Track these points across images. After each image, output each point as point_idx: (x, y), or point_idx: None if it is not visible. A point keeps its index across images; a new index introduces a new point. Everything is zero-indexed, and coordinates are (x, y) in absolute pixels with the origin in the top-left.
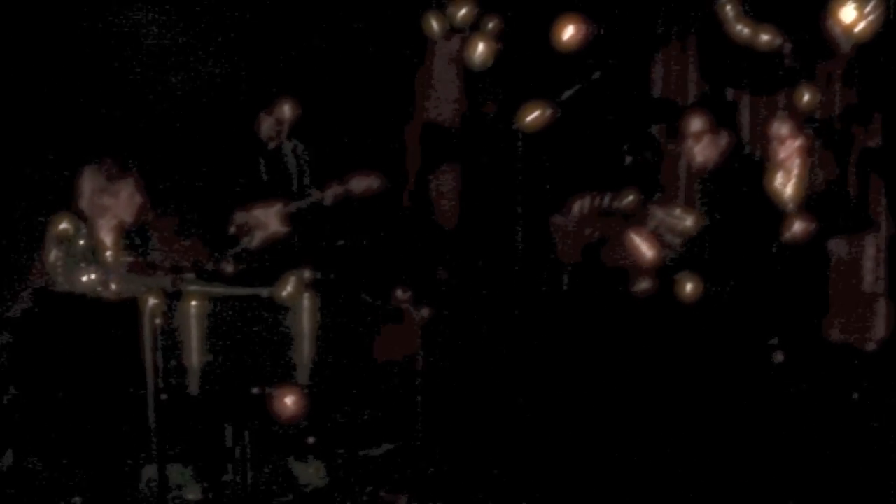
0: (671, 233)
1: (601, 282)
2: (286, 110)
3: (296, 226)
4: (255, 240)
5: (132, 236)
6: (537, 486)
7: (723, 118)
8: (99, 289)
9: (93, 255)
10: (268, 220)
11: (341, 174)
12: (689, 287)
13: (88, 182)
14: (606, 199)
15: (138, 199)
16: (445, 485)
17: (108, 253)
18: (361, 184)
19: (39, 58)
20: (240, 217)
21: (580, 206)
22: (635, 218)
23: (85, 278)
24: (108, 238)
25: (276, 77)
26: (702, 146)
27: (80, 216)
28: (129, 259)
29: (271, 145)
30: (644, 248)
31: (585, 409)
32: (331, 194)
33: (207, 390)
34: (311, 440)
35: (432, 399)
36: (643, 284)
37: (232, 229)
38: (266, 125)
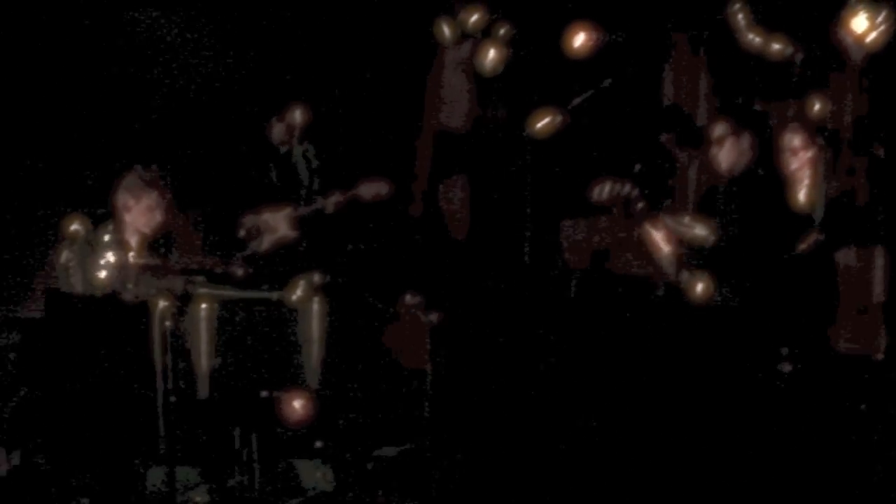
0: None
1: (609, 289)
2: (297, 115)
3: (305, 230)
4: (265, 243)
5: (157, 240)
6: (545, 490)
7: (745, 124)
8: (116, 290)
9: (116, 254)
10: (277, 224)
11: (351, 179)
12: (698, 291)
13: (127, 183)
14: (627, 187)
15: (166, 206)
16: (453, 489)
17: (131, 254)
18: (370, 190)
19: (53, 60)
20: (249, 220)
21: (600, 190)
22: (644, 224)
23: (103, 277)
24: (133, 239)
25: (288, 82)
26: (727, 153)
27: (113, 214)
28: (141, 261)
29: (282, 149)
30: (661, 243)
31: (593, 414)
32: (339, 200)
33: (216, 393)
34: (318, 443)
35: (440, 403)
36: (659, 287)
37: (241, 233)
38: (277, 130)
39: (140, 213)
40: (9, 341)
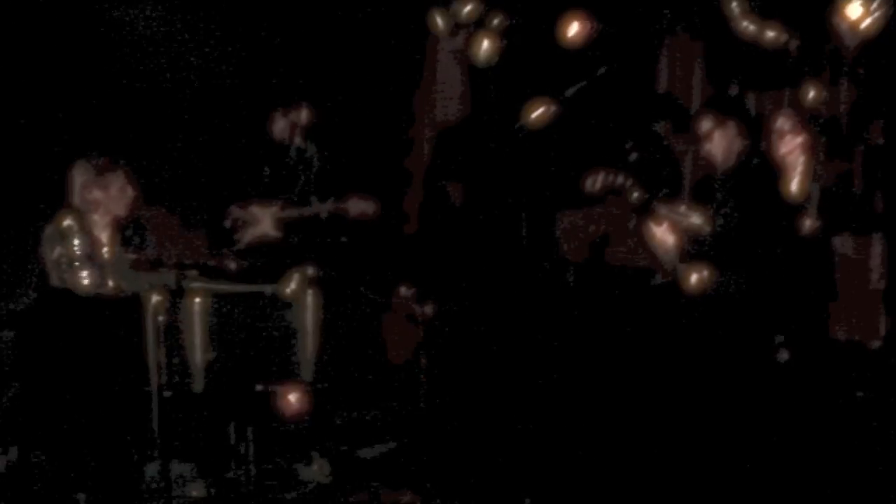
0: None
1: (606, 279)
2: (301, 112)
3: (294, 228)
4: (246, 238)
5: (129, 232)
6: (540, 483)
7: (734, 115)
8: (96, 286)
9: (91, 251)
10: (261, 221)
11: (345, 172)
12: (695, 280)
13: (78, 177)
14: (620, 178)
15: (130, 192)
16: (448, 482)
17: (105, 249)
18: (357, 207)
19: (46, 54)
20: (235, 213)
21: (593, 181)
22: (640, 214)
23: (84, 276)
24: (103, 234)
25: (280, 75)
26: (717, 145)
27: (76, 212)
28: (132, 255)
29: (283, 144)
30: (661, 239)
31: (590, 406)
32: (326, 210)
33: (211, 387)
34: (314, 437)
35: (435, 396)
36: (656, 278)
37: (227, 223)
38: (278, 126)
39: (104, 204)
40: (2, 337)
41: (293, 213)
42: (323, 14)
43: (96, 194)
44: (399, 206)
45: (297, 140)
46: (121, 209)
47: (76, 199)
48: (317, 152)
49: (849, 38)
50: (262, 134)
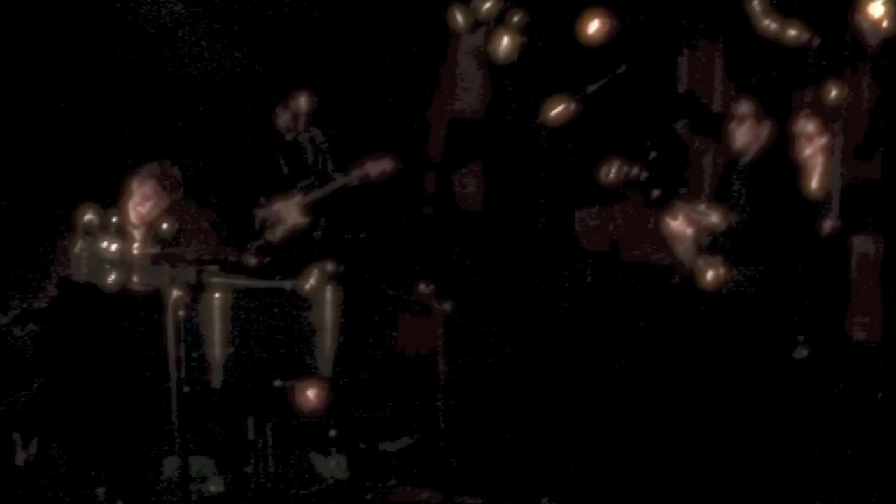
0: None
1: (625, 277)
2: (302, 102)
3: (318, 217)
4: (278, 233)
5: (164, 229)
6: (558, 479)
7: (768, 111)
8: (124, 282)
9: (122, 246)
10: (288, 213)
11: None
12: (713, 278)
13: (134, 174)
14: (636, 169)
15: (178, 193)
16: (466, 479)
17: (138, 246)
18: (377, 168)
19: (62, 52)
20: (262, 212)
21: (607, 171)
22: (659, 212)
23: (114, 273)
24: (138, 231)
25: (300, 70)
26: (743, 132)
27: (122, 210)
28: (154, 251)
29: (288, 136)
30: (680, 237)
31: (608, 402)
32: (351, 179)
33: (230, 383)
34: (332, 433)
35: (454, 393)
36: (675, 274)
37: (256, 224)
38: (283, 117)
39: (147, 202)
40: (25, 332)
41: (318, 193)
42: (344, 11)
43: (149, 192)
44: (418, 202)
45: (310, 133)
46: (167, 209)
47: (126, 196)
48: (336, 150)
49: (870, 37)
50: (275, 128)
